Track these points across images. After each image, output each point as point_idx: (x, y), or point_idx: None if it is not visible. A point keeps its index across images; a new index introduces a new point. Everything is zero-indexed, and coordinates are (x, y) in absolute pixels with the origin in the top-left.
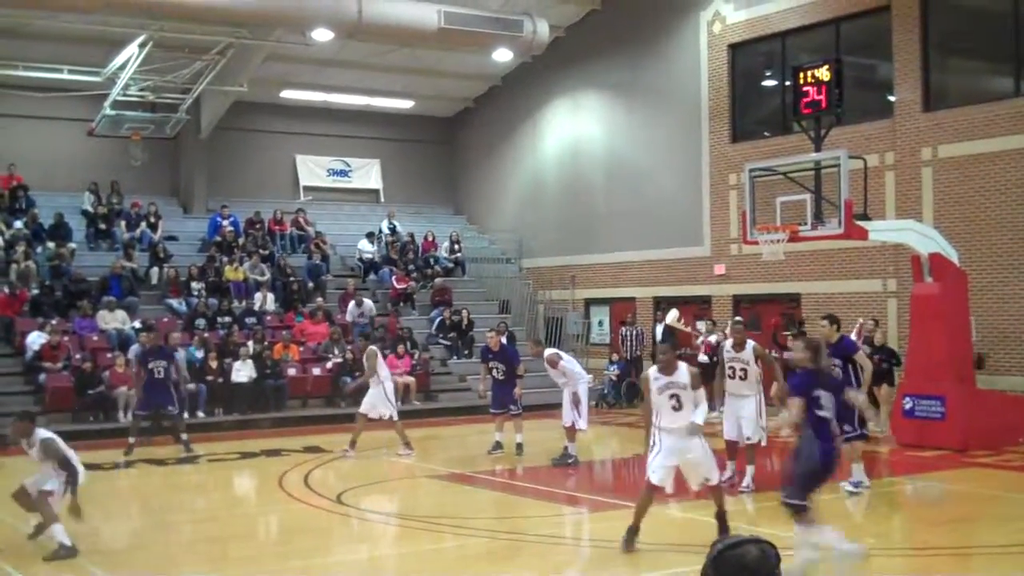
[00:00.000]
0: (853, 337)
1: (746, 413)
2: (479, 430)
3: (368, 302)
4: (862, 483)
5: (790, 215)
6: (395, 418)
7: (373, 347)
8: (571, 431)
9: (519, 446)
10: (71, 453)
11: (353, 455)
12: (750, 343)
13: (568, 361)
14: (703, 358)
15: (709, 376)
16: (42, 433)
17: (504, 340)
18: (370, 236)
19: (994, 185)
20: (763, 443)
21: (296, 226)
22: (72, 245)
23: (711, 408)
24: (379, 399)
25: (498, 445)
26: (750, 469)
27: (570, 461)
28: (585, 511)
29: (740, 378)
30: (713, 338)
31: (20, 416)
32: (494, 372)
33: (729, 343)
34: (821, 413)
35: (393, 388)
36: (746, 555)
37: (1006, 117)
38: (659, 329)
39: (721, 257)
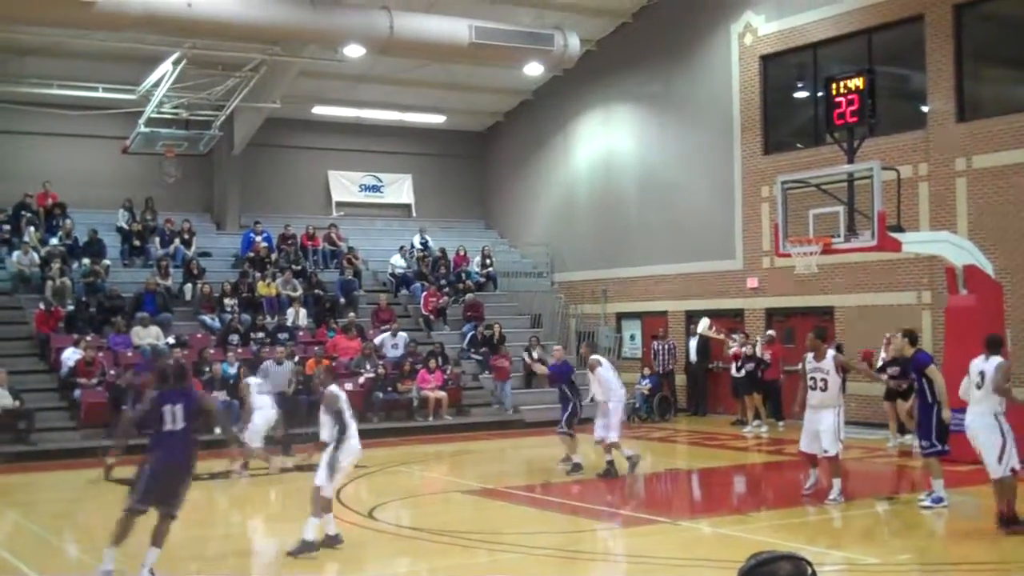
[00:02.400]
0: (882, 353)
1: (824, 426)
2: (511, 445)
3: (403, 335)
4: (942, 500)
5: (823, 227)
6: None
7: (247, 380)
8: (605, 446)
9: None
10: (349, 417)
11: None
12: (830, 352)
13: (606, 370)
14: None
15: (743, 388)
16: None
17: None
18: (403, 251)
19: None
20: (839, 455)
21: (328, 241)
22: (107, 262)
23: (780, 418)
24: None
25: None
26: (837, 482)
27: (635, 465)
28: (619, 527)
29: (821, 389)
30: (744, 349)
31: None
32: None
33: (810, 354)
34: None
35: (264, 421)
36: (778, 571)
37: None
38: (692, 343)
39: (754, 270)
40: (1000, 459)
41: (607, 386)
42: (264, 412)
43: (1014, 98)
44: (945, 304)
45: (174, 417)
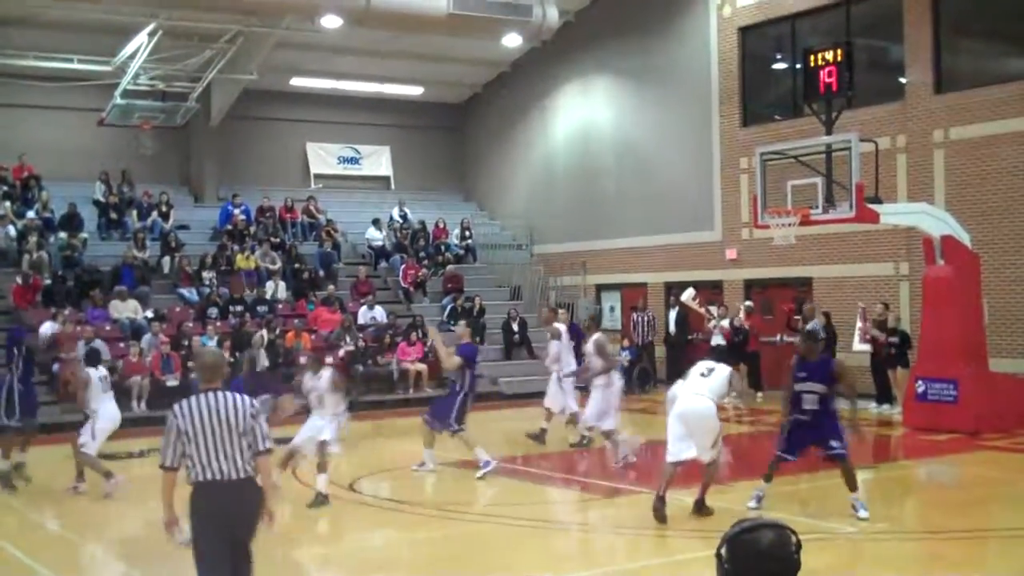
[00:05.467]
0: (858, 323)
1: None
2: (490, 417)
3: (380, 309)
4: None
5: (801, 199)
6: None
7: (86, 373)
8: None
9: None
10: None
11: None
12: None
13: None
14: (718, 340)
15: (727, 359)
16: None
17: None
18: (376, 223)
19: (1006, 167)
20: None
21: (307, 214)
22: (84, 235)
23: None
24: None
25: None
26: None
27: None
28: (598, 497)
29: None
30: (725, 323)
31: None
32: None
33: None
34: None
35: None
36: (761, 539)
37: (1018, 98)
38: (672, 314)
39: (732, 242)
40: (713, 445)
41: (565, 359)
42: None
43: (991, 70)
44: (923, 275)
45: None
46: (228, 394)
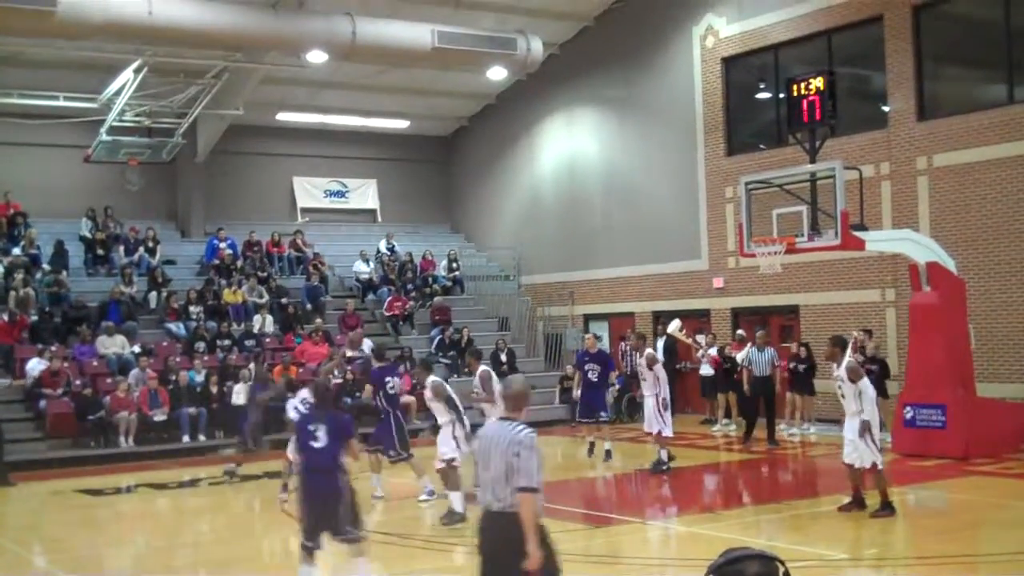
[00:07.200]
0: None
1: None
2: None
3: (368, 342)
4: None
5: (787, 227)
6: None
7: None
8: (659, 438)
9: (608, 452)
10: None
11: None
12: (848, 359)
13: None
14: (707, 370)
15: (713, 390)
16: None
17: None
18: (363, 256)
19: (989, 193)
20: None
21: (294, 248)
22: (66, 273)
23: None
24: None
25: (609, 454)
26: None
27: (664, 468)
28: (589, 527)
29: (842, 396)
30: (713, 351)
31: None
32: (589, 374)
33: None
34: None
35: None
36: (746, 570)
37: (1000, 125)
38: (660, 343)
39: (719, 270)
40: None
41: (665, 382)
42: None
43: (973, 97)
44: (909, 301)
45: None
46: (511, 424)
